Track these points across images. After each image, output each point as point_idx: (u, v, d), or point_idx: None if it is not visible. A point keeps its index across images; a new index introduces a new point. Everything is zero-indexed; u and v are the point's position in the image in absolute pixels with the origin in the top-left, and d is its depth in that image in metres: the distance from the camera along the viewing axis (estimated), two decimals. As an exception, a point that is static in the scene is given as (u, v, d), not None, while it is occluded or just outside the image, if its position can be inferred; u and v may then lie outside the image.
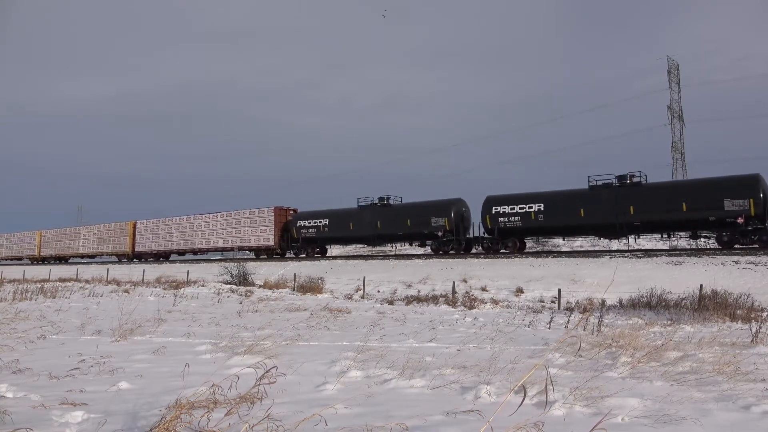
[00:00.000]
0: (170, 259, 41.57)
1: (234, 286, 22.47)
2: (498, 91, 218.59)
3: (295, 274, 22.85)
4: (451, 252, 27.38)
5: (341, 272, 24.39)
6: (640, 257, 20.46)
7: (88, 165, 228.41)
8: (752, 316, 11.55)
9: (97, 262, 45.56)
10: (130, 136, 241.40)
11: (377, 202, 30.25)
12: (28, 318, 10.70)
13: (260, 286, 22.59)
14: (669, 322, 11.39)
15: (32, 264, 50.79)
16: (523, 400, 2.90)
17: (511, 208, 25.18)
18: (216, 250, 38.18)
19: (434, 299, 17.51)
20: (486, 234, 26.37)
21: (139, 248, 42.19)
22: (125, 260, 43.64)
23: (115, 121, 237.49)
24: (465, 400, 4.54)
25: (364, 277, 20.65)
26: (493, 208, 25.61)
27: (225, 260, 35.57)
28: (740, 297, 12.75)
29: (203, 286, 22.85)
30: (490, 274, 20.45)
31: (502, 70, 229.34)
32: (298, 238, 32.81)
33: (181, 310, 13.29)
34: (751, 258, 18.28)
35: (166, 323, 10.39)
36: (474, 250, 27.88)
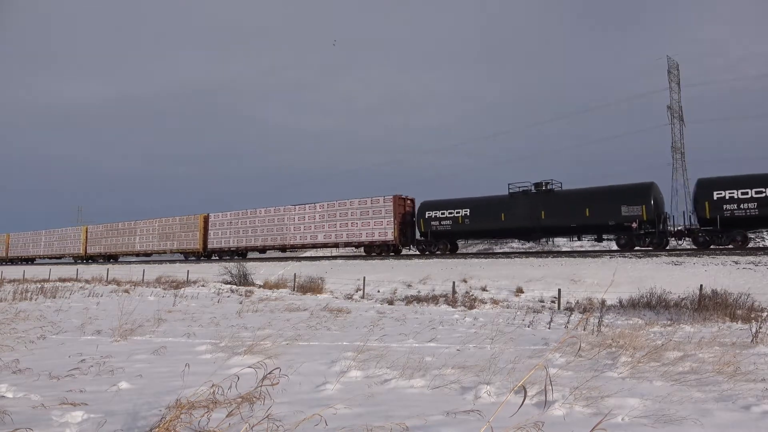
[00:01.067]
0: (248, 257, 37.33)
1: (234, 286, 22.48)
2: (498, 90, 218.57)
3: (295, 274, 22.85)
4: (646, 248, 22.69)
5: (341, 272, 24.39)
6: (640, 257, 20.45)
7: (89, 165, 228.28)
8: (752, 316, 11.55)
9: (157, 261, 41.04)
10: (130, 137, 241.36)
11: (531, 188, 25.48)
12: (28, 318, 10.69)
13: (260, 286, 22.59)
14: (669, 322, 11.39)
15: (76, 263, 45.95)
16: (524, 400, 2.90)
17: (743, 193, 20.62)
18: (314, 246, 32.68)
19: (434, 299, 17.50)
20: (698, 225, 22.05)
21: (212, 245, 37.04)
22: (193, 258, 38.82)
23: (115, 121, 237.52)
24: (465, 400, 4.54)
25: (364, 277, 20.64)
26: (714, 193, 21.10)
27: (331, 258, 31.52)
28: (740, 297, 12.75)
29: (203, 286, 22.86)
30: (490, 274, 20.45)
31: (502, 70, 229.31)
32: (427, 231, 27.61)
33: (181, 310, 13.29)
34: (751, 258, 18.28)
35: (166, 323, 10.39)
36: (675, 244, 23.78)
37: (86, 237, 47.23)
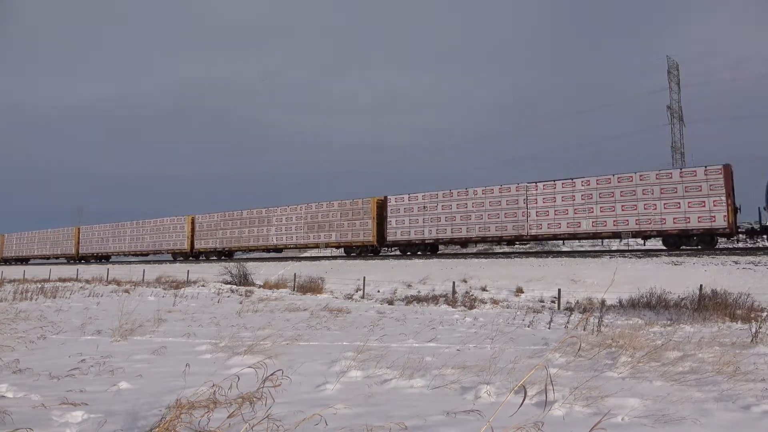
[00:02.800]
0: (439, 252, 29.33)
1: (234, 286, 22.46)
2: (498, 90, 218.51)
3: (295, 274, 22.85)
4: None
5: (341, 272, 24.39)
6: (640, 257, 20.45)
7: (88, 165, 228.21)
8: (752, 316, 11.55)
9: (293, 258, 33.86)
10: (130, 137, 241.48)
11: None
12: (29, 318, 10.69)
13: (260, 286, 22.59)
14: (669, 322, 11.39)
15: (176, 261, 38.53)
16: (524, 400, 2.90)
17: None
18: (573, 237, 24.19)
19: (434, 299, 17.51)
20: None
21: (394, 236, 28.88)
22: (354, 254, 30.80)
23: (114, 121, 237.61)
24: (465, 400, 4.54)
25: (364, 278, 20.64)
26: None
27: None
28: (740, 297, 12.74)
29: (203, 286, 22.84)
30: (490, 274, 20.45)
31: (502, 70, 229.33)
32: None
33: (181, 310, 13.29)
34: (751, 258, 18.29)
35: (166, 323, 10.39)
36: None
37: (192, 229, 38.74)
